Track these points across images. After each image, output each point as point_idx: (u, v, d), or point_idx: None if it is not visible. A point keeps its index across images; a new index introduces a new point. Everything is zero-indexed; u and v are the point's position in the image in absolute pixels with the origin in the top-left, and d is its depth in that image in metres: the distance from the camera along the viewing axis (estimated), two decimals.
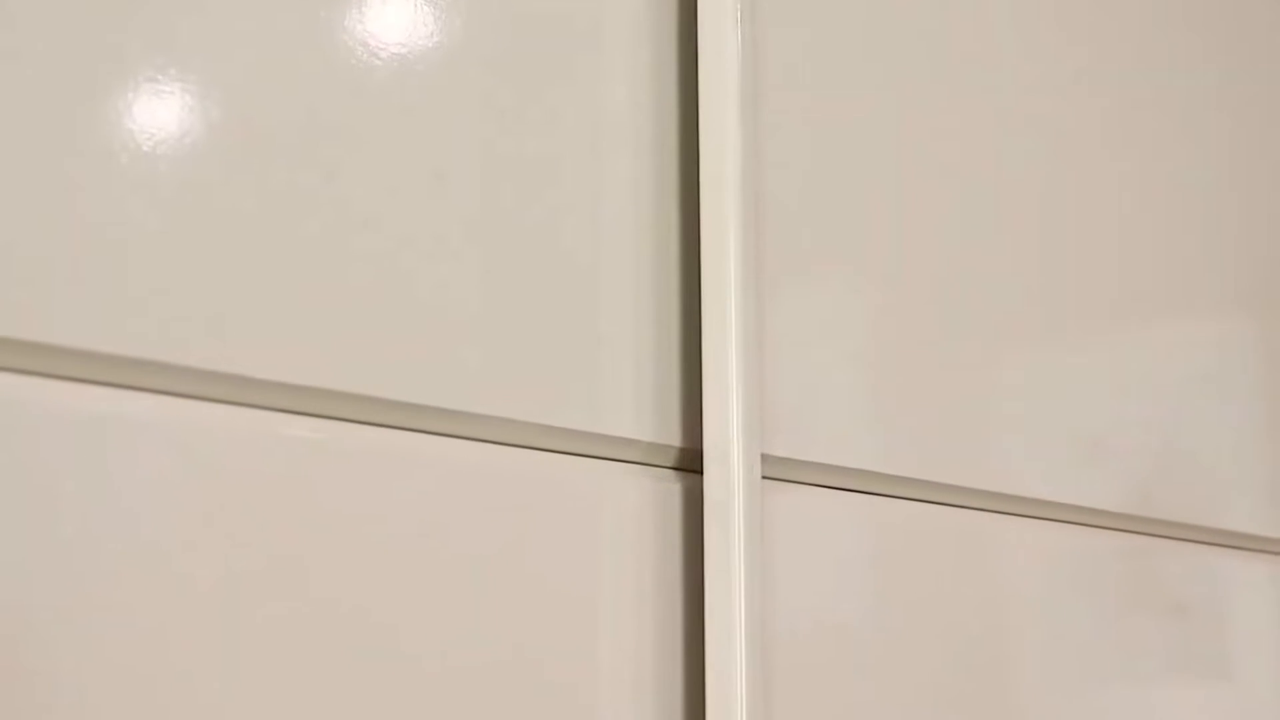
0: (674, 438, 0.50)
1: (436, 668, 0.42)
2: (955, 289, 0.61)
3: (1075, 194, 0.69)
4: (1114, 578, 0.69)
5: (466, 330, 0.44)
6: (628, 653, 0.47)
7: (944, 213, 0.61)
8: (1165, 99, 0.77)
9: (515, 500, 0.45)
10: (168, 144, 0.38)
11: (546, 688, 0.45)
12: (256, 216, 0.40)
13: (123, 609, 0.36)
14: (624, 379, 0.48)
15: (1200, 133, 0.79)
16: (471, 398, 0.44)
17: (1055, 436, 0.66)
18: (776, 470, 0.52)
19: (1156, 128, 0.76)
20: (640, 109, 0.50)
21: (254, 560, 0.39)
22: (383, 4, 0.44)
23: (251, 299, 0.39)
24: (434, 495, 0.43)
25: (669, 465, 0.50)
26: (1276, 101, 0.86)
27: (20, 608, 0.35)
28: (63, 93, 0.36)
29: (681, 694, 0.48)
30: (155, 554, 0.37)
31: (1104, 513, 0.68)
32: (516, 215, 0.46)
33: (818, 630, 0.54)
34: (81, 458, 0.36)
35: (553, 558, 0.45)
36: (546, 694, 0.45)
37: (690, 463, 0.50)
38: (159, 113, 0.38)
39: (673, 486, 0.50)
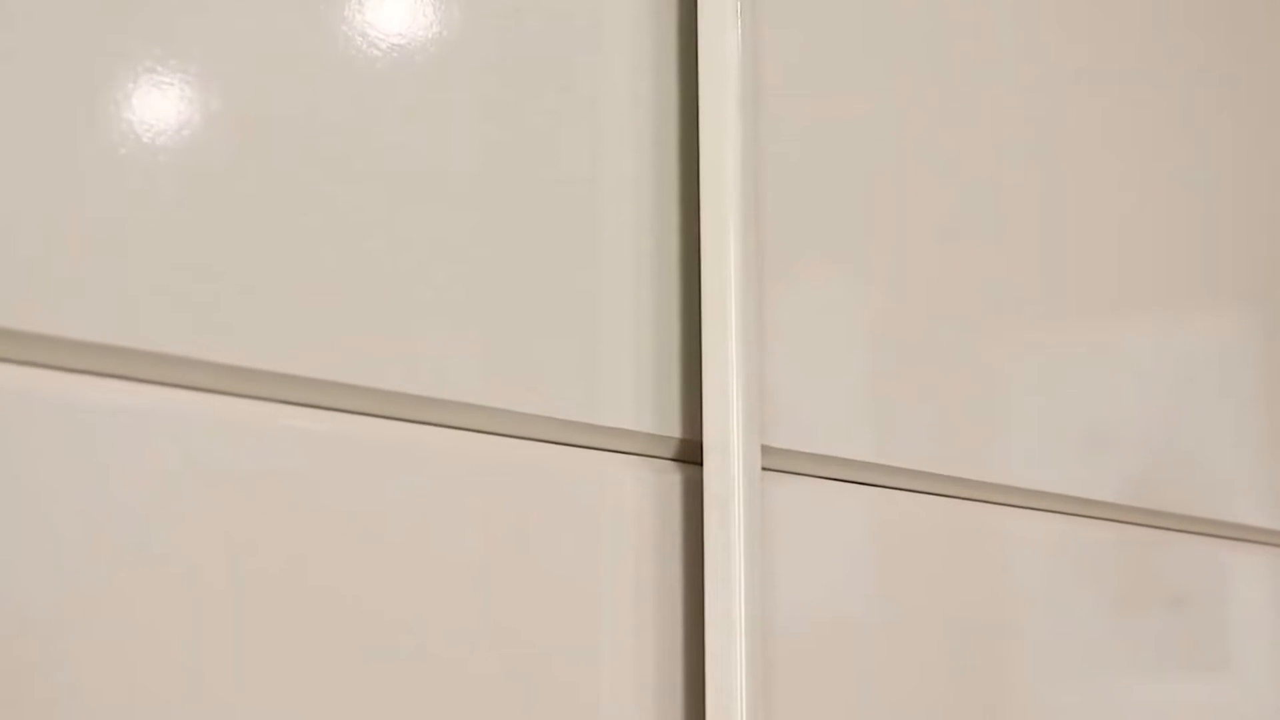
0: (674, 429, 0.50)
1: (437, 658, 0.42)
2: (956, 281, 0.62)
3: (1075, 187, 0.69)
4: (1114, 569, 0.69)
5: (467, 322, 0.44)
6: (628, 644, 0.47)
7: (944, 205, 0.61)
8: (1166, 94, 0.77)
9: (515, 492, 0.45)
10: (167, 136, 0.38)
11: (547, 679, 0.45)
12: (255, 209, 0.40)
13: (121, 601, 0.36)
14: (624, 370, 0.48)
15: (1201, 127, 0.79)
16: (471, 389, 0.44)
17: (1056, 428, 0.66)
18: (776, 462, 0.52)
19: (1157, 122, 0.76)
20: (640, 103, 0.50)
21: (254, 551, 0.39)
22: None
23: (251, 290, 0.39)
24: (434, 487, 0.43)
25: (669, 456, 0.50)
26: (1277, 96, 0.86)
27: (19, 600, 0.35)
28: (62, 85, 0.36)
29: (681, 685, 0.48)
30: (154, 545, 0.37)
31: (1104, 504, 0.68)
32: (516, 208, 0.46)
33: (817, 621, 0.54)
34: (80, 449, 0.36)
35: (552, 549, 0.46)
36: (547, 685, 0.45)
37: (690, 454, 0.50)
38: (159, 105, 0.38)
39: (673, 478, 0.50)
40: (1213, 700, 0.75)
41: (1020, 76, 0.67)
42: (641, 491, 0.49)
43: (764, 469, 0.50)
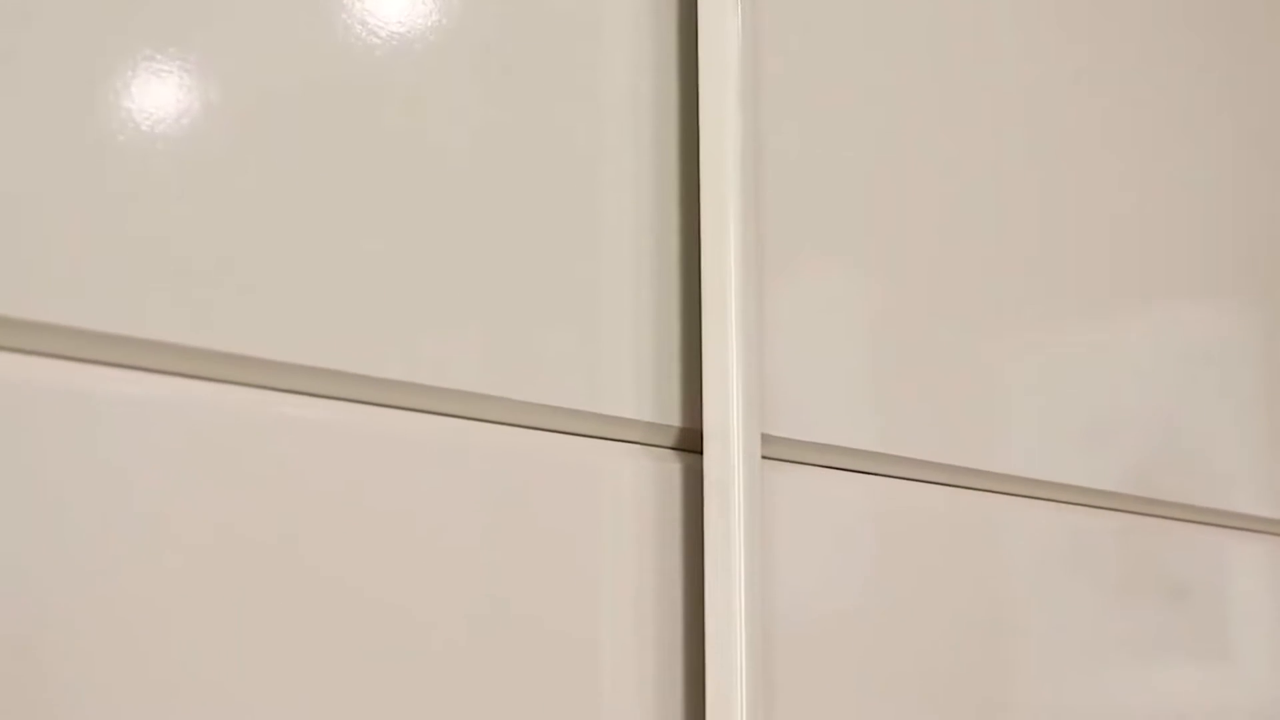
0: (674, 417, 0.50)
1: (437, 645, 0.42)
2: (956, 271, 0.62)
3: (1076, 178, 0.69)
4: (1114, 558, 0.69)
5: (468, 311, 0.44)
6: (628, 632, 0.47)
7: (944, 196, 0.61)
8: (1167, 90, 0.77)
9: (514, 480, 0.45)
10: (167, 125, 0.38)
11: (547, 666, 0.45)
12: (256, 198, 0.40)
13: (124, 587, 0.36)
14: (624, 359, 0.48)
15: (1201, 120, 0.79)
16: (472, 378, 0.44)
17: (1056, 418, 0.66)
18: (776, 450, 0.52)
19: (1157, 117, 0.76)
20: (640, 95, 0.50)
21: (256, 539, 0.39)
22: None
23: (252, 279, 0.39)
24: (435, 475, 0.43)
25: (669, 445, 0.50)
26: (1278, 92, 0.86)
27: (21, 587, 0.35)
28: (62, 74, 0.36)
29: (681, 673, 0.49)
30: (157, 533, 0.37)
31: (1104, 493, 0.68)
32: (517, 197, 0.46)
33: (817, 610, 0.54)
34: (81, 437, 0.36)
35: (553, 538, 0.46)
36: (547, 672, 0.45)
37: (690, 443, 0.50)
38: (158, 94, 0.38)
39: (673, 466, 0.50)
40: (1213, 689, 0.75)
41: (1020, 73, 0.67)
42: (642, 480, 0.49)
43: (764, 458, 0.50)
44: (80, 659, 0.35)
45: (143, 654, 0.36)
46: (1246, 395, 0.80)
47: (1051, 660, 0.64)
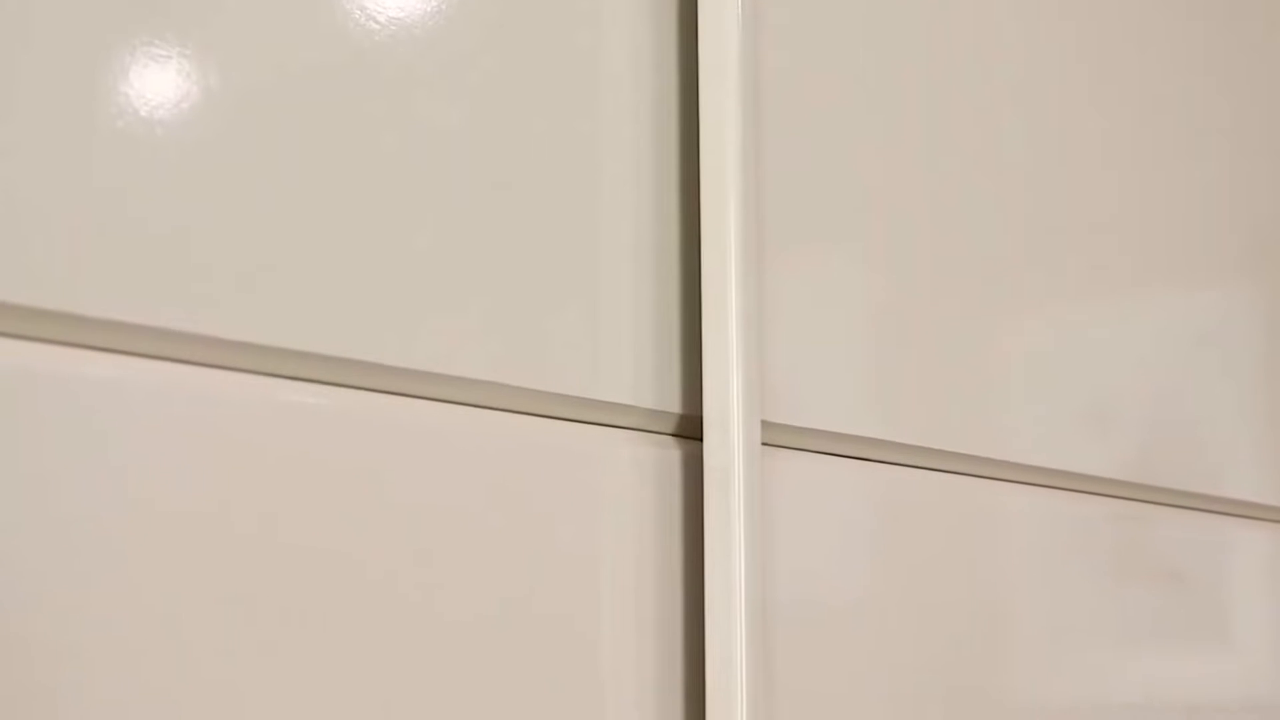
0: (674, 404, 0.50)
1: (438, 631, 0.42)
2: (956, 256, 0.61)
3: (1075, 163, 0.69)
4: (1113, 544, 0.69)
5: (467, 298, 0.44)
6: (628, 619, 0.47)
7: (944, 179, 0.61)
8: (1166, 70, 0.77)
9: (514, 467, 0.45)
10: (165, 110, 0.38)
11: (547, 652, 0.45)
12: (255, 184, 0.39)
13: (122, 576, 0.36)
14: (624, 345, 0.48)
15: (1200, 102, 0.79)
16: (471, 364, 0.44)
17: (1055, 403, 0.66)
18: (776, 437, 0.52)
19: (1156, 98, 0.76)
20: (641, 80, 0.50)
21: (253, 526, 0.39)
22: None
23: (251, 266, 0.39)
24: (435, 461, 0.43)
25: (669, 432, 0.50)
26: (1277, 72, 0.85)
27: (17, 574, 0.35)
28: (60, 60, 0.36)
29: (681, 660, 0.49)
30: (157, 520, 0.37)
31: (1103, 480, 0.68)
32: (516, 183, 0.46)
33: (817, 596, 0.54)
34: (81, 424, 0.36)
35: (552, 525, 0.46)
36: (547, 658, 0.45)
37: (690, 429, 0.50)
38: (156, 79, 0.38)
39: (672, 453, 0.50)
40: (1210, 674, 0.76)
41: (1019, 60, 0.67)
42: (641, 467, 0.48)
43: (764, 444, 0.50)
44: (75, 647, 0.35)
45: (139, 641, 0.36)
46: (1246, 381, 0.80)
47: (1050, 646, 0.64)
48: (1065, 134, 0.69)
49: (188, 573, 0.37)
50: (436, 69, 0.44)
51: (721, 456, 0.48)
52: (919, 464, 0.59)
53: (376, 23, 0.43)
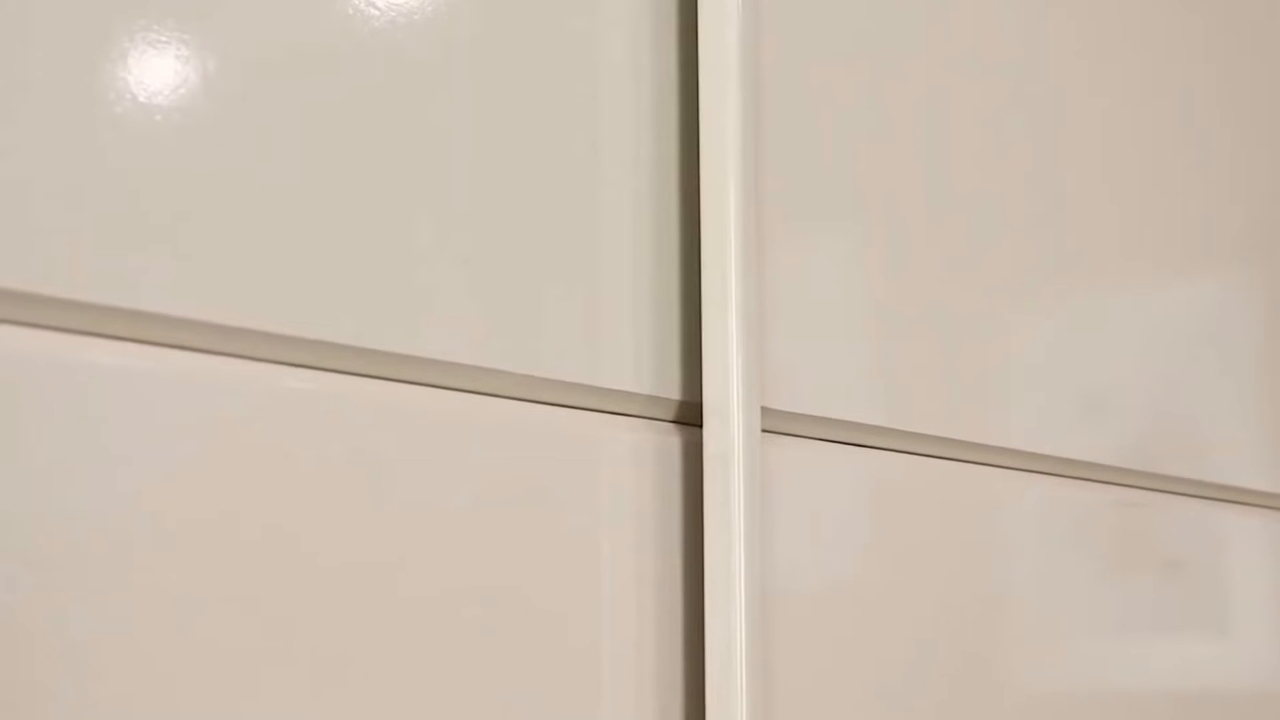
0: (674, 391, 0.50)
1: (436, 618, 0.42)
2: (955, 243, 0.61)
3: (1075, 151, 0.69)
4: (1111, 532, 0.69)
5: (466, 284, 0.44)
6: (628, 606, 0.47)
7: (944, 167, 0.61)
8: (1168, 57, 0.77)
9: (513, 454, 0.45)
10: (161, 95, 0.38)
11: (547, 640, 0.45)
12: (252, 170, 0.39)
13: (119, 562, 0.36)
14: (624, 332, 0.48)
15: (1202, 89, 0.79)
16: (470, 351, 0.44)
17: (1055, 391, 0.66)
18: (776, 424, 0.52)
19: (1158, 85, 0.76)
20: (639, 61, 0.50)
21: (251, 512, 0.38)
22: None
23: (248, 251, 0.39)
24: (433, 448, 0.43)
25: (668, 419, 0.50)
26: (1277, 53, 0.85)
27: (13, 558, 0.34)
28: (58, 46, 0.36)
29: (681, 646, 0.49)
30: (154, 506, 0.37)
31: (1102, 466, 0.68)
32: (514, 166, 0.46)
33: (816, 583, 0.54)
34: (79, 410, 0.36)
35: (551, 512, 0.45)
36: (547, 646, 0.45)
37: (690, 416, 0.50)
38: (154, 64, 0.38)
39: (672, 440, 0.49)
40: (1208, 662, 0.76)
41: (1018, 45, 0.67)
42: (641, 454, 0.48)
43: (764, 431, 0.50)
44: (74, 635, 0.35)
45: (138, 626, 0.36)
46: (1245, 369, 0.80)
47: (1048, 633, 0.64)
48: (1065, 122, 0.68)
49: (184, 557, 0.37)
50: (435, 54, 0.44)
51: (721, 443, 0.48)
52: (918, 451, 0.59)
53: (376, 8, 0.43)
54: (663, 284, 0.50)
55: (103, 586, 0.36)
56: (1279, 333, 0.82)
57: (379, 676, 0.41)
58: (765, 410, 0.51)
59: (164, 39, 0.38)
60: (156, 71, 0.38)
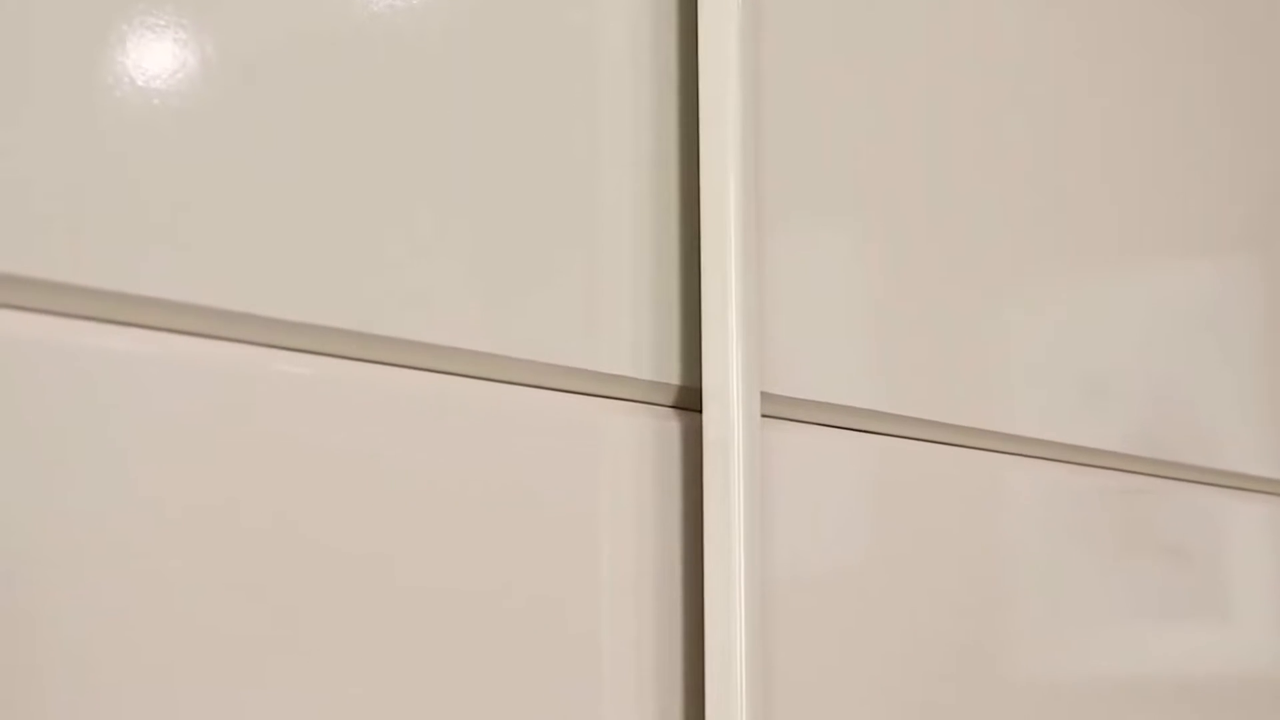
0: (673, 376, 0.49)
1: (434, 604, 0.42)
2: (957, 228, 0.61)
3: (1075, 138, 0.69)
4: (1113, 518, 0.69)
5: (465, 268, 0.44)
6: (627, 592, 0.47)
7: (944, 153, 0.61)
8: (1166, 42, 0.76)
9: (511, 439, 0.45)
10: (160, 78, 0.38)
11: (545, 627, 0.45)
12: (249, 153, 0.39)
13: (117, 546, 0.36)
14: (623, 316, 0.48)
15: (1200, 72, 0.79)
16: (468, 335, 0.44)
17: (1056, 376, 0.66)
18: (776, 409, 0.52)
19: (1156, 70, 0.75)
20: (639, 42, 0.50)
21: (249, 496, 0.38)
22: None
23: (245, 235, 0.39)
24: (431, 433, 0.43)
25: (668, 404, 0.50)
26: (1277, 43, 0.85)
27: (12, 541, 0.34)
28: (57, 30, 0.36)
29: (681, 632, 0.49)
30: (152, 491, 0.37)
31: (1104, 452, 0.68)
32: (514, 151, 0.46)
33: (816, 568, 0.54)
34: (78, 395, 0.36)
35: (550, 497, 0.45)
36: (547, 632, 0.45)
37: (690, 401, 0.50)
38: (153, 48, 0.38)
39: (671, 425, 0.49)
40: (1211, 648, 0.76)
41: (1018, 32, 0.66)
42: (640, 439, 0.48)
43: (763, 416, 0.50)
44: (73, 618, 0.35)
45: (136, 610, 0.36)
46: (1247, 355, 0.80)
47: (1050, 619, 0.64)
48: (1065, 108, 0.68)
49: (182, 540, 0.37)
50: (433, 38, 0.44)
51: (721, 428, 0.48)
52: (919, 436, 0.59)
53: None
54: (662, 269, 0.50)
55: (100, 569, 0.36)
56: None
57: (375, 666, 0.41)
58: (765, 395, 0.50)
59: (163, 24, 0.38)
60: (157, 57, 0.38)
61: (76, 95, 0.36)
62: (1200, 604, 0.75)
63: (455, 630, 0.42)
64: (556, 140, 0.47)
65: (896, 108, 0.59)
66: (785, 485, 0.52)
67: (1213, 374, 0.77)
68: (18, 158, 0.35)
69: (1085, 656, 0.66)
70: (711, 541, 0.47)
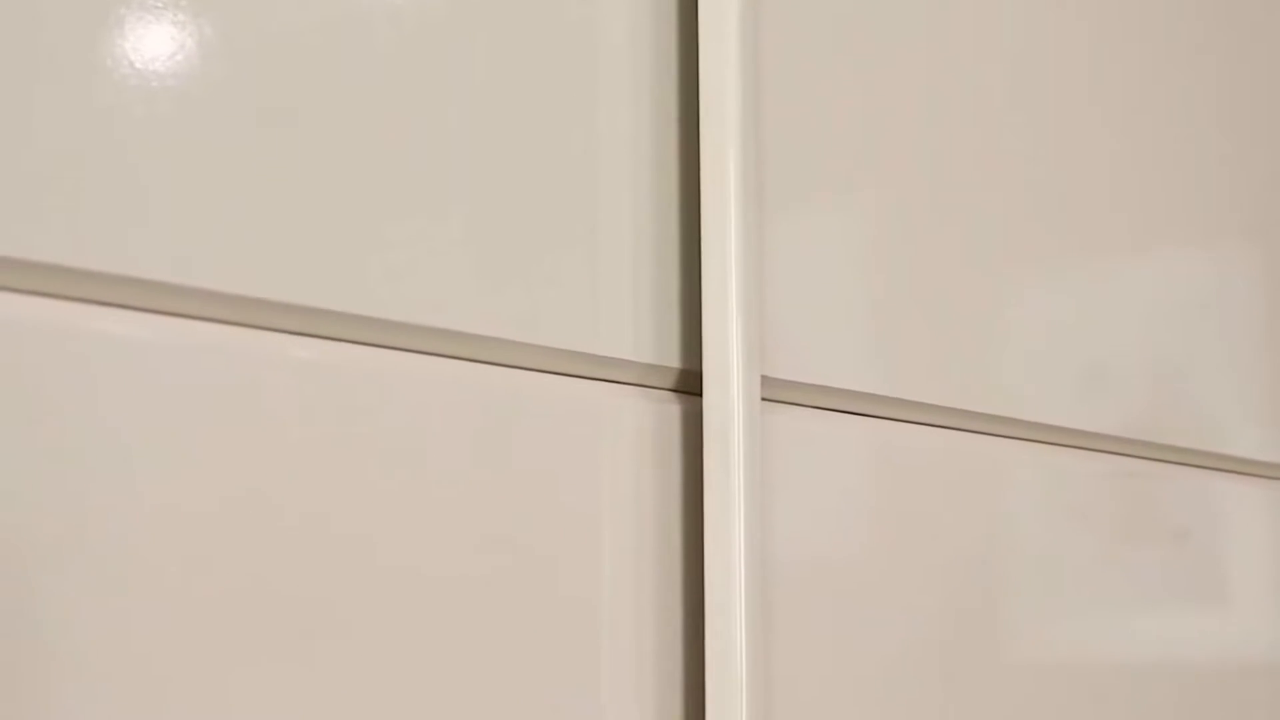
0: (673, 359, 0.49)
1: (435, 589, 0.42)
2: (957, 212, 0.61)
3: (1076, 121, 0.69)
4: (1114, 502, 0.69)
5: (464, 250, 0.44)
6: (626, 576, 0.47)
7: (945, 137, 0.61)
8: (1165, 27, 0.76)
9: (511, 422, 0.45)
10: (159, 62, 0.38)
11: (545, 611, 0.45)
12: (248, 137, 0.39)
13: (116, 531, 0.36)
14: (623, 300, 0.48)
15: (1201, 57, 0.79)
16: (468, 318, 0.44)
17: (1057, 360, 0.66)
18: (776, 392, 0.52)
19: (1156, 55, 0.75)
20: (640, 26, 0.50)
21: (253, 481, 0.38)
22: None
23: (244, 218, 0.39)
24: (431, 417, 0.43)
25: (668, 387, 0.50)
26: (1277, 30, 0.85)
27: (14, 527, 0.35)
28: (57, 12, 0.36)
29: (681, 616, 0.49)
30: (151, 473, 0.37)
31: (1104, 437, 0.68)
32: (514, 135, 0.46)
33: (817, 552, 0.54)
34: (77, 378, 0.36)
35: (550, 481, 0.45)
36: (545, 617, 0.45)
37: (690, 384, 0.50)
38: (154, 30, 0.38)
39: (672, 409, 0.49)
40: (1212, 632, 0.76)
41: (1019, 17, 0.66)
42: (640, 423, 0.48)
43: (764, 399, 0.50)
44: (72, 600, 0.35)
45: (135, 594, 0.36)
46: (1246, 339, 0.80)
47: (1050, 603, 0.64)
48: (1065, 92, 0.68)
49: (180, 523, 0.37)
50: (434, 22, 0.44)
51: (721, 412, 0.48)
52: (920, 420, 0.59)
53: None
54: (662, 252, 0.49)
55: (99, 553, 0.36)
56: None
57: (374, 645, 0.41)
58: (765, 379, 0.50)
59: (162, 6, 0.38)
60: (157, 39, 0.38)
61: (76, 78, 0.36)
62: (1200, 588, 0.75)
63: (454, 610, 0.42)
64: (557, 125, 0.47)
65: (897, 90, 0.59)
66: (785, 468, 0.52)
67: (1212, 359, 0.77)
68: (17, 140, 0.35)
69: (1085, 640, 0.66)
70: (711, 524, 0.47)
